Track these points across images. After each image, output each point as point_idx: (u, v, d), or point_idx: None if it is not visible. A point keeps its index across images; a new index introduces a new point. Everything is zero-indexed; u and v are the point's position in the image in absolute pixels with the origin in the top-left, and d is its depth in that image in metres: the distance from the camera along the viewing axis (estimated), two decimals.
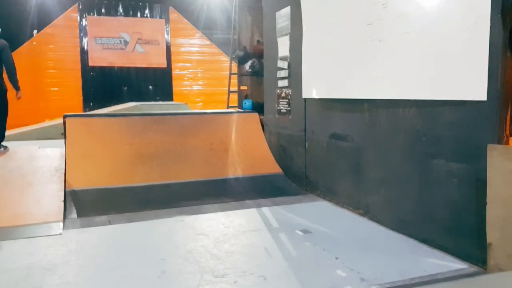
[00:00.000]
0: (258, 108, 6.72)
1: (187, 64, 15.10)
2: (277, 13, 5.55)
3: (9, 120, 6.05)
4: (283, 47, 5.43)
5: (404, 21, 3.25)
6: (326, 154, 4.65)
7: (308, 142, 5.03)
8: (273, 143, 5.91)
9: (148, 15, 14.48)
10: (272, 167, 5.63)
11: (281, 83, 5.55)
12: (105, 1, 13.86)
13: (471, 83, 2.74)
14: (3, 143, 5.87)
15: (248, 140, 6.02)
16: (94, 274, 2.79)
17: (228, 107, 8.16)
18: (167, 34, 14.64)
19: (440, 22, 2.93)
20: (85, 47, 13.74)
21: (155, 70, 14.56)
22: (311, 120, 4.94)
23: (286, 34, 5.34)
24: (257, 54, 7.26)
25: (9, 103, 5.94)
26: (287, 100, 5.43)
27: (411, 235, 3.37)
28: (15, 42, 11.80)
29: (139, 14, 14.37)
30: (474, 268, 2.78)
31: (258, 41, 7.55)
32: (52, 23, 13.33)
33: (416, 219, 3.34)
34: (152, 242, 3.42)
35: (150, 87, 14.53)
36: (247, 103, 7.11)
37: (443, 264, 2.86)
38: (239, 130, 6.09)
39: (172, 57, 14.74)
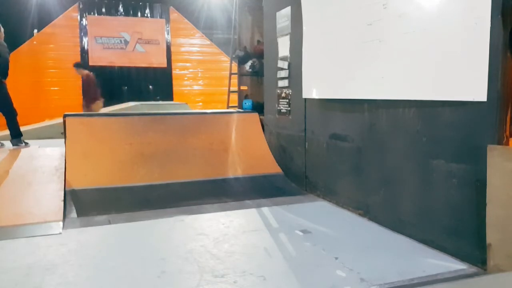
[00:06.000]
0: (258, 108, 6.71)
1: (187, 64, 15.11)
2: (278, 13, 5.55)
3: None
4: (283, 47, 5.43)
5: (404, 21, 3.25)
6: (326, 154, 4.65)
7: (308, 142, 5.03)
8: (273, 143, 5.91)
9: (149, 15, 14.49)
10: (272, 167, 5.63)
11: (281, 83, 5.55)
12: (106, 1, 13.87)
13: (471, 84, 2.74)
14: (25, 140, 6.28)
15: (248, 140, 6.02)
16: (94, 274, 2.79)
17: (228, 107, 8.16)
18: (168, 34, 14.65)
19: (440, 23, 2.93)
20: (86, 47, 13.76)
21: (155, 69, 14.57)
22: (311, 120, 4.94)
23: (286, 34, 5.34)
24: (257, 54, 7.26)
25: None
26: (287, 100, 5.43)
27: (410, 236, 3.37)
28: (16, 41, 11.83)
29: (139, 13, 14.38)
30: (473, 269, 2.77)
31: (258, 41, 7.55)
32: (53, 22, 13.35)
33: (416, 220, 3.34)
34: (152, 242, 3.41)
35: (150, 86, 14.55)
36: (247, 103, 7.11)
37: (442, 265, 2.86)
38: (239, 130, 6.09)
39: (172, 57, 14.76)
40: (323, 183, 4.75)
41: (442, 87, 2.96)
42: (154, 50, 14.50)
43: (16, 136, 6.05)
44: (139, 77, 14.39)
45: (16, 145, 6.00)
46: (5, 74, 5.90)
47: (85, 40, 13.73)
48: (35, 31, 13.27)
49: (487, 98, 2.64)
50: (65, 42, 13.50)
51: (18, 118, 6.15)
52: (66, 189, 4.50)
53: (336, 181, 4.50)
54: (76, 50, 13.65)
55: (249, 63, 7.39)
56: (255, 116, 6.38)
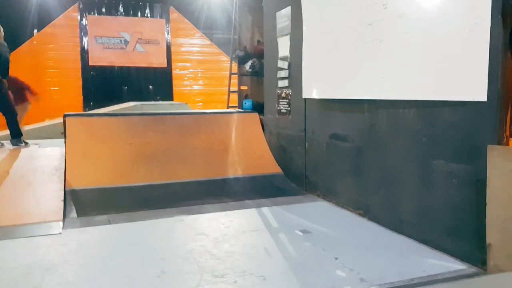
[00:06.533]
0: (258, 108, 6.71)
1: (187, 64, 15.11)
2: (278, 13, 5.55)
3: None
4: (284, 47, 5.43)
5: (405, 21, 3.25)
6: (326, 154, 4.65)
7: (308, 142, 5.03)
8: (273, 143, 5.91)
9: (149, 15, 14.49)
10: (272, 167, 5.63)
11: (281, 83, 5.54)
12: (106, 1, 13.87)
13: (471, 84, 2.74)
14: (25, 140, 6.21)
15: (248, 140, 6.02)
16: (94, 274, 2.79)
17: (228, 107, 8.16)
18: (168, 33, 14.65)
19: (441, 23, 2.93)
20: (86, 47, 13.76)
21: (155, 69, 14.57)
22: (311, 120, 4.94)
23: (286, 34, 5.34)
24: (258, 54, 7.26)
25: None
26: (287, 100, 5.43)
27: (410, 236, 3.37)
28: (16, 41, 11.83)
29: (139, 13, 14.38)
30: (473, 269, 2.78)
31: (258, 41, 7.55)
32: (53, 22, 13.35)
33: (416, 220, 3.34)
34: (152, 242, 3.41)
35: (150, 86, 14.55)
36: (247, 103, 7.11)
37: (442, 265, 2.86)
38: (239, 130, 6.09)
39: (173, 57, 14.76)
40: (323, 183, 4.75)
41: (442, 87, 2.96)
42: (154, 50, 14.50)
43: (16, 136, 6.05)
44: (139, 77, 14.39)
45: (16, 145, 6.00)
46: (5, 74, 5.90)
47: (85, 40, 13.73)
48: (35, 31, 13.27)
49: (487, 98, 2.64)
50: (65, 42, 13.50)
51: (18, 118, 6.15)
52: (66, 189, 4.50)
53: (336, 181, 4.50)
54: (76, 50, 13.65)
55: (249, 63, 7.39)
56: (255, 116, 6.38)
